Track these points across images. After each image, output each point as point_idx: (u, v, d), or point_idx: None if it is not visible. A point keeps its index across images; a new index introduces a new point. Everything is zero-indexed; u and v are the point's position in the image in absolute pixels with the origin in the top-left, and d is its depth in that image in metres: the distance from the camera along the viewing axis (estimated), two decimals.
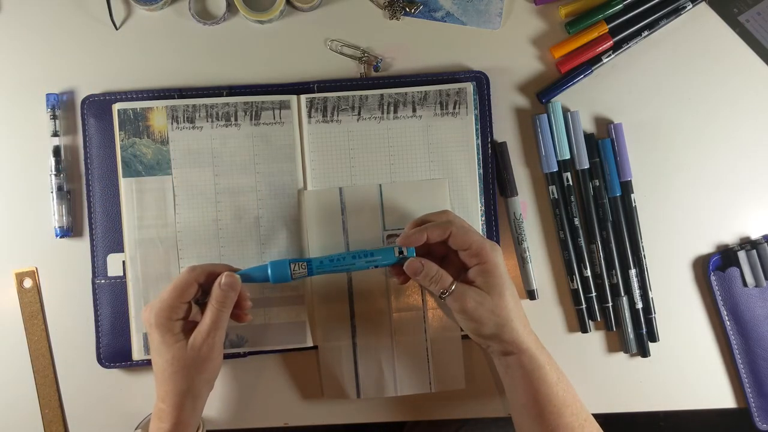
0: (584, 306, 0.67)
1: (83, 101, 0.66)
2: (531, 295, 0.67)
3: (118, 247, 0.65)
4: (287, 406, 0.66)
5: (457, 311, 0.57)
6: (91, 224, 0.65)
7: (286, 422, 0.67)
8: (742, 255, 0.66)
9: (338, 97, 0.65)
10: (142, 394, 0.66)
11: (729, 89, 0.68)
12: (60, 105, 0.66)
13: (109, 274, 0.65)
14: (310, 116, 0.65)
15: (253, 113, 0.65)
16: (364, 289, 0.65)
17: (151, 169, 0.64)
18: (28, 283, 0.66)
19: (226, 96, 0.66)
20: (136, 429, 0.64)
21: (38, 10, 0.67)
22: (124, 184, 0.64)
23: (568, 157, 0.66)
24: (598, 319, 0.67)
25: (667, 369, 0.67)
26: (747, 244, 0.67)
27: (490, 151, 0.66)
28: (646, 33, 0.67)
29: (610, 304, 0.67)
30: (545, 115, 0.67)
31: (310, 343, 0.65)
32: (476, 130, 0.66)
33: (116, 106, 0.64)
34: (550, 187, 0.67)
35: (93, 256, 0.65)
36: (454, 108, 0.65)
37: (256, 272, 0.58)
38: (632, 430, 0.95)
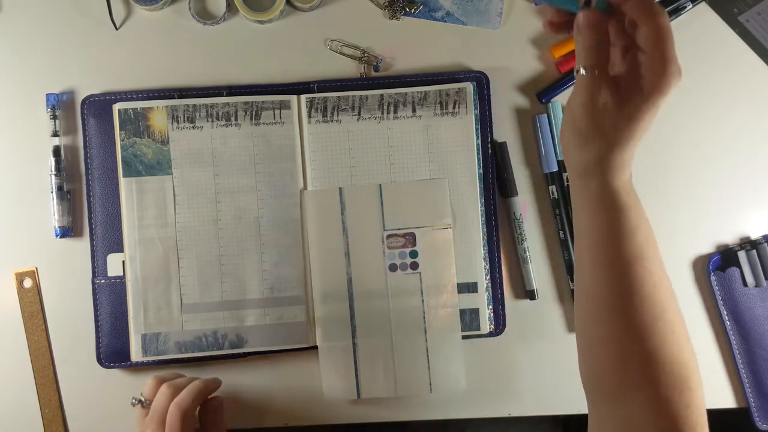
0: None
1: (83, 101, 0.66)
2: (531, 295, 0.67)
3: (118, 247, 0.65)
4: (287, 406, 0.66)
5: (579, 103, 0.48)
6: (91, 224, 0.65)
7: (286, 422, 0.67)
8: (742, 255, 0.66)
9: (338, 97, 0.65)
10: None
11: (729, 89, 0.68)
12: (60, 105, 0.66)
13: (109, 274, 0.65)
14: (310, 116, 0.65)
15: (253, 113, 0.65)
16: (364, 289, 0.65)
17: (152, 169, 0.64)
18: (28, 283, 0.66)
19: (226, 96, 0.66)
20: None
21: (38, 10, 0.67)
22: (124, 184, 0.64)
23: None
24: None
25: None
26: (747, 244, 0.67)
27: (490, 151, 0.66)
28: None
29: None
30: (545, 115, 0.67)
31: (310, 343, 0.65)
32: (476, 130, 0.66)
33: (117, 106, 0.64)
34: (550, 187, 0.67)
35: (93, 256, 0.65)
36: (454, 108, 0.65)
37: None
38: None
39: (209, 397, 0.60)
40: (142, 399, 0.59)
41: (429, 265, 0.65)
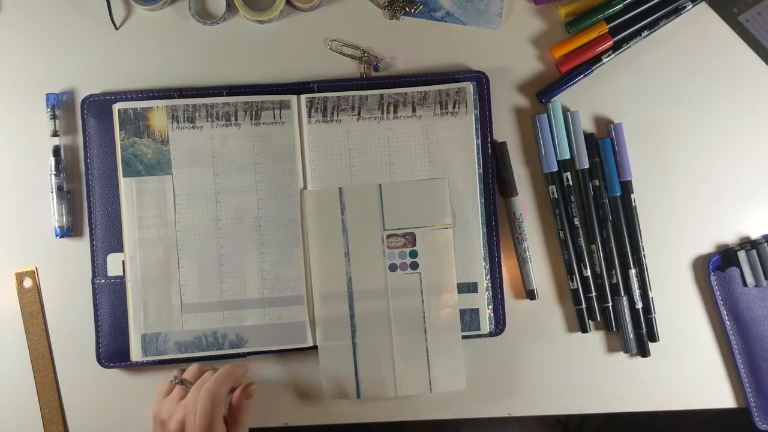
0: (584, 306, 0.67)
1: (83, 101, 0.66)
2: (531, 294, 0.67)
3: (118, 247, 0.65)
4: (287, 406, 0.66)
5: None
6: (91, 224, 0.65)
7: (286, 422, 0.67)
8: (742, 255, 0.66)
9: (338, 97, 0.65)
10: (142, 394, 0.66)
11: (729, 89, 0.68)
12: (60, 105, 0.66)
13: (109, 274, 0.65)
14: (310, 116, 0.65)
15: (253, 113, 0.65)
16: (364, 289, 0.65)
17: (152, 169, 0.64)
18: (28, 283, 0.66)
19: (226, 96, 0.66)
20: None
21: (38, 10, 0.67)
22: (124, 184, 0.64)
23: (568, 156, 0.66)
24: (598, 319, 0.67)
25: (667, 369, 0.67)
26: (747, 244, 0.67)
27: (489, 151, 0.66)
28: (646, 33, 0.67)
29: (610, 303, 0.67)
30: (545, 114, 0.67)
31: (310, 343, 0.65)
32: (476, 129, 0.66)
33: (116, 106, 0.64)
34: (550, 187, 0.67)
35: (93, 256, 0.65)
36: (454, 108, 0.65)
37: None
38: (632, 430, 0.96)
39: (245, 383, 0.62)
40: (185, 381, 0.60)
41: (429, 265, 0.65)
